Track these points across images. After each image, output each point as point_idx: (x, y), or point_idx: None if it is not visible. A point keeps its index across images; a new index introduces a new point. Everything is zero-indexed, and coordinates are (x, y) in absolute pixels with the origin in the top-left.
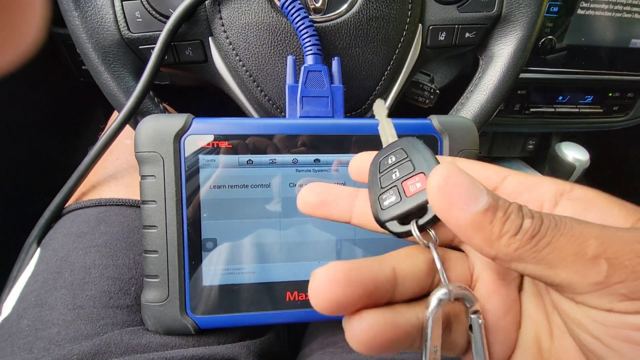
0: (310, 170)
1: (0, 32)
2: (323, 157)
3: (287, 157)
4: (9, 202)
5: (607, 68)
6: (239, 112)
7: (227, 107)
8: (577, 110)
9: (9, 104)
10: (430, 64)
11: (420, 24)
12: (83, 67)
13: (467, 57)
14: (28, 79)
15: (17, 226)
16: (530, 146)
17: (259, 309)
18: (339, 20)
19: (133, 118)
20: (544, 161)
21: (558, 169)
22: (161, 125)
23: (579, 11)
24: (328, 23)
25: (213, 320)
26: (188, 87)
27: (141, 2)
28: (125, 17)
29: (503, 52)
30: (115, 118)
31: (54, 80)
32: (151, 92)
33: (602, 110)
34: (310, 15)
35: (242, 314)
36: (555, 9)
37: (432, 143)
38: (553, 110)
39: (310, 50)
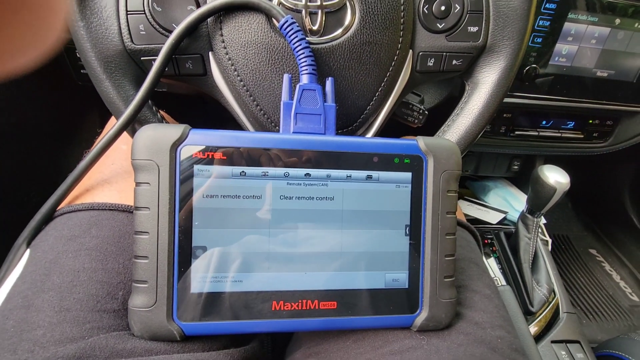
0: (301, 184)
1: (26, 31)
2: (313, 172)
3: (279, 171)
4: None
5: (588, 96)
6: (233, 121)
7: (222, 115)
8: (559, 134)
9: (7, 103)
10: (421, 86)
11: (410, 50)
12: (82, 71)
13: (456, 81)
14: (27, 79)
15: (7, 226)
16: (516, 167)
17: (244, 318)
18: (334, 42)
19: (131, 125)
20: (527, 182)
21: (540, 190)
22: (159, 134)
23: (562, 42)
24: (324, 45)
25: (199, 327)
26: (185, 95)
27: (145, 16)
28: (129, 29)
29: (487, 79)
30: (113, 124)
31: (52, 82)
32: (150, 101)
33: (582, 136)
34: (307, 36)
35: (227, 322)
36: (539, 40)
37: (418, 163)
38: (537, 133)
39: (306, 70)
